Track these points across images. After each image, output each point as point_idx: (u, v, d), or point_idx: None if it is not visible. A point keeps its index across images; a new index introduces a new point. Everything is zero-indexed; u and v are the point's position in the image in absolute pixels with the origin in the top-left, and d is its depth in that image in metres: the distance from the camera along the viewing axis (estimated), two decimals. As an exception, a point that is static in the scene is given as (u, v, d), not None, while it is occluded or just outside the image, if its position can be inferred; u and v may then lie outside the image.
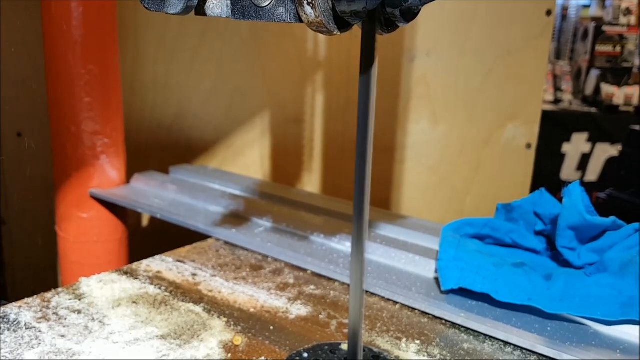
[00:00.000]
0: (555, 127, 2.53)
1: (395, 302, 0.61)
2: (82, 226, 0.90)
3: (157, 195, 0.90)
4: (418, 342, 0.53)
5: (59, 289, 0.60)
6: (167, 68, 1.17)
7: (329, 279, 0.66)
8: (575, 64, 2.94)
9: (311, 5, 0.32)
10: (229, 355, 0.50)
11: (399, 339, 0.54)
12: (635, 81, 2.79)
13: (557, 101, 2.84)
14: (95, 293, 0.60)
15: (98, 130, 0.87)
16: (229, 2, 0.36)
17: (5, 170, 1.12)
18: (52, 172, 0.92)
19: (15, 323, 0.53)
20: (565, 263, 0.63)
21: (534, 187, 0.95)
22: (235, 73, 1.20)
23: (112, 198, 0.87)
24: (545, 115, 1.50)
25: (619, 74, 2.79)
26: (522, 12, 1.15)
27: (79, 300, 0.58)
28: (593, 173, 2.64)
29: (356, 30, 0.39)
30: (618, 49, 2.80)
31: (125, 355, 0.49)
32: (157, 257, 0.70)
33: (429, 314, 0.59)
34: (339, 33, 0.35)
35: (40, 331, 0.52)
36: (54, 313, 0.55)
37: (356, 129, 0.42)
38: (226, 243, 0.75)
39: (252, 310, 0.58)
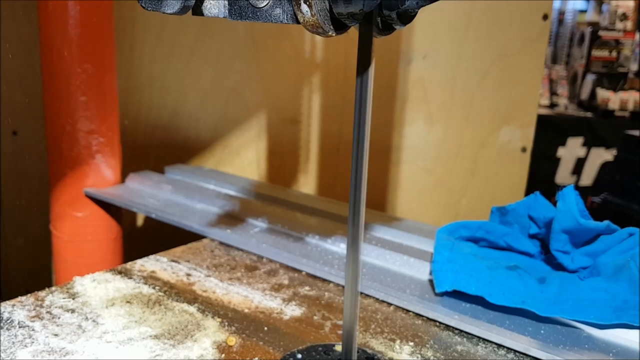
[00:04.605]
0: (550, 131, 2.54)
1: (390, 304, 0.61)
2: (77, 225, 0.90)
3: (152, 194, 0.89)
4: (412, 343, 0.53)
5: (53, 288, 0.60)
6: (164, 67, 1.17)
7: (324, 280, 0.66)
8: (571, 69, 2.95)
9: (307, 3, 0.32)
10: (223, 355, 0.50)
11: (393, 340, 0.54)
12: (630, 86, 2.80)
13: (552, 105, 2.85)
14: (89, 292, 0.60)
15: (93, 129, 0.87)
16: (226, 2, 0.36)
17: (1, 168, 1.12)
18: (47, 171, 0.91)
19: (8, 321, 0.53)
20: (559, 266, 0.63)
21: (528, 191, 0.96)
22: (231, 73, 1.19)
23: (107, 197, 0.87)
24: (541, 119, 1.50)
25: (614, 78, 2.80)
26: (518, 16, 1.15)
27: (73, 299, 0.58)
28: (588, 177, 2.65)
29: (353, 32, 0.40)
30: (614, 54, 2.81)
31: (118, 355, 0.49)
32: (152, 256, 0.70)
33: (423, 316, 0.59)
34: (334, 34, 0.35)
35: (33, 330, 0.52)
36: (47, 312, 0.55)
37: (352, 131, 0.42)
38: (221, 243, 0.75)
39: (246, 310, 0.58)
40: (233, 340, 0.52)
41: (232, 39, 1.18)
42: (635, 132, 2.14)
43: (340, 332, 0.55)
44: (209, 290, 0.62)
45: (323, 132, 1.24)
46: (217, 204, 0.84)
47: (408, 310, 0.60)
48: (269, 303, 0.60)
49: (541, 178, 2.51)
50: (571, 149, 2.61)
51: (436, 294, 0.61)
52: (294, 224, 0.78)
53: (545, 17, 1.15)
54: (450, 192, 1.25)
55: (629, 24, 2.80)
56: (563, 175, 2.63)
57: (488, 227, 0.68)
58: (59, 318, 0.54)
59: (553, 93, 2.87)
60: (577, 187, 0.62)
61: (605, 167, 2.60)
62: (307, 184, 1.27)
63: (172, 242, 0.75)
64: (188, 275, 0.66)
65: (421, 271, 0.66)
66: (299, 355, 0.50)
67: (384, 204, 1.25)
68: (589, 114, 2.74)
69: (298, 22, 0.34)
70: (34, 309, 0.55)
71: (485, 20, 1.16)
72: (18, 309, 0.55)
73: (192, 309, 0.58)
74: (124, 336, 0.52)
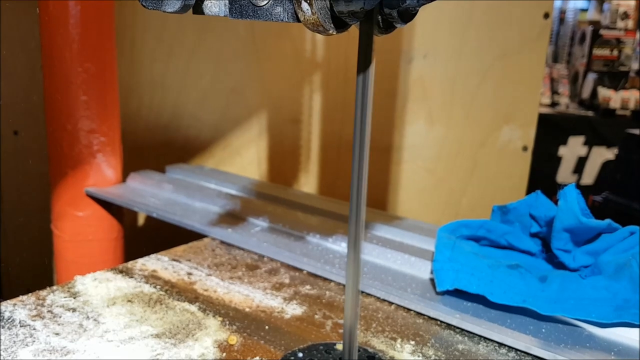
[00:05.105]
0: (551, 130, 2.54)
1: (391, 303, 0.61)
2: (78, 224, 0.90)
3: (153, 194, 0.89)
4: (413, 342, 0.53)
5: (54, 287, 0.60)
6: (164, 67, 1.17)
7: (325, 279, 0.66)
8: (572, 68, 2.95)
9: (308, 2, 0.32)
10: (224, 354, 0.50)
11: (394, 339, 0.54)
12: (631, 85, 2.80)
13: (554, 104, 2.84)
14: (90, 291, 0.60)
15: (94, 129, 0.87)
16: (227, 1, 0.36)
17: (2, 168, 1.12)
18: (48, 170, 0.91)
19: (9, 321, 0.53)
20: (560, 265, 0.63)
21: (530, 190, 0.96)
22: (232, 73, 1.19)
23: (108, 197, 0.87)
24: (542, 118, 1.50)
25: (615, 77, 2.80)
26: (519, 14, 1.15)
27: (74, 298, 0.58)
28: (589, 176, 2.65)
29: (354, 31, 0.40)
30: (615, 52, 2.81)
31: (119, 354, 0.49)
32: (153, 256, 0.70)
33: (424, 315, 0.59)
34: (335, 33, 0.35)
35: (34, 329, 0.52)
36: (48, 311, 0.55)
37: (353, 130, 0.42)
38: (222, 242, 0.75)
39: (247, 309, 0.58)
40: (234, 339, 0.52)
41: (233, 39, 1.18)
42: (636, 131, 2.14)
43: (341, 331, 0.55)
44: (210, 289, 0.62)
45: (324, 132, 1.24)
46: (218, 203, 0.84)
47: (409, 309, 0.60)
48: (270, 302, 0.60)
49: (542, 177, 2.51)
50: (572, 148, 2.61)
51: (437, 293, 0.61)
52: (295, 223, 0.78)
53: (546, 15, 1.15)
54: (450, 192, 1.25)
55: (630, 23, 2.80)
56: (564, 174, 2.63)
57: (489, 226, 0.68)
58: (60, 317, 0.54)
59: (554, 92, 2.87)
60: (578, 186, 0.62)
61: (606, 166, 2.60)
62: (307, 183, 1.27)
63: (173, 242, 0.75)
64: (189, 274, 0.66)
65: (422, 270, 0.66)
66: (300, 354, 0.50)
67: (384, 203, 1.25)
68: (590, 113, 2.74)
69: (299, 20, 0.34)
70: (35, 308, 0.55)
71: (486, 19, 1.16)
72: (19, 308, 0.55)
73: (193, 308, 0.58)
74: (125, 335, 0.52)
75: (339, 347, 0.52)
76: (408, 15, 0.37)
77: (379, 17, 0.39)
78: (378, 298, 0.62)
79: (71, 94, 0.85)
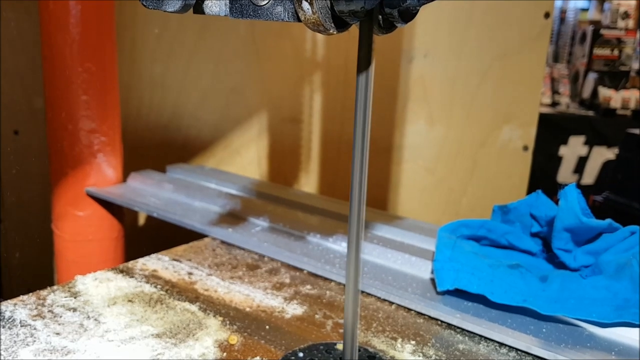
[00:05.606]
0: (552, 130, 2.54)
1: (391, 303, 0.61)
2: (78, 224, 0.90)
3: (153, 194, 0.89)
4: (413, 342, 0.53)
5: (55, 287, 0.60)
6: (165, 67, 1.17)
7: (325, 278, 0.66)
8: (572, 67, 2.95)
9: (309, 1, 0.32)
10: (224, 354, 0.50)
11: (395, 339, 0.54)
12: (632, 85, 2.80)
13: (554, 104, 2.84)
14: (91, 291, 0.60)
15: (95, 129, 0.87)
16: (227, 0, 0.36)
17: (2, 168, 1.12)
18: (48, 170, 0.91)
19: (10, 320, 0.53)
20: (560, 265, 0.63)
21: (530, 189, 0.96)
22: (232, 72, 1.19)
23: (108, 196, 0.87)
24: (543, 117, 1.50)
25: (616, 77, 2.79)
26: (520, 14, 1.15)
27: (75, 298, 0.58)
28: (590, 176, 2.64)
29: (354, 31, 0.39)
30: (616, 52, 2.81)
31: (120, 354, 0.49)
32: (153, 255, 0.70)
33: (424, 315, 0.59)
34: (336, 32, 0.35)
35: (35, 329, 0.52)
36: (49, 311, 0.55)
37: (353, 130, 0.42)
38: (222, 242, 0.75)
39: (247, 309, 0.58)
40: (235, 339, 0.52)
41: (233, 39, 1.18)
42: (637, 131, 2.14)
43: (341, 330, 0.55)
44: (211, 289, 0.62)
45: (324, 131, 1.24)
46: (219, 203, 0.84)
47: (409, 309, 0.60)
48: (270, 302, 0.60)
49: (543, 177, 2.51)
50: (573, 148, 2.61)
51: (438, 293, 0.61)
52: (295, 222, 0.78)
53: (546, 15, 1.15)
54: (451, 191, 1.25)
55: (630, 23, 2.80)
56: (565, 174, 2.63)
57: (490, 226, 0.68)
58: (60, 317, 0.54)
59: (555, 92, 2.86)
60: (578, 185, 0.62)
61: (606, 165, 2.59)
62: (308, 182, 1.27)
63: (173, 241, 0.75)
64: (189, 274, 0.66)
65: (423, 270, 0.66)
66: (301, 354, 0.50)
67: (385, 203, 1.25)
68: (590, 113, 2.74)
69: (299, 19, 0.34)
70: (36, 308, 0.55)
71: (487, 18, 1.16)
72: (20, 308, 0.55)
73: (193, 307, 0.58)
74: (125, 335, 0.52)
75: (340, 347, 0.52)
76: (408, 15, 0.37)
77: (380, 16, 0.39)
78: (378, 298, 0.62)
79: (72, 94, 0.85)
